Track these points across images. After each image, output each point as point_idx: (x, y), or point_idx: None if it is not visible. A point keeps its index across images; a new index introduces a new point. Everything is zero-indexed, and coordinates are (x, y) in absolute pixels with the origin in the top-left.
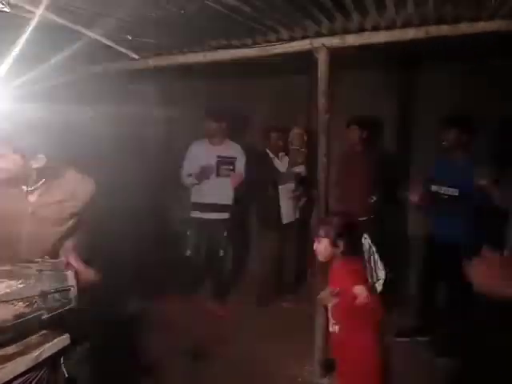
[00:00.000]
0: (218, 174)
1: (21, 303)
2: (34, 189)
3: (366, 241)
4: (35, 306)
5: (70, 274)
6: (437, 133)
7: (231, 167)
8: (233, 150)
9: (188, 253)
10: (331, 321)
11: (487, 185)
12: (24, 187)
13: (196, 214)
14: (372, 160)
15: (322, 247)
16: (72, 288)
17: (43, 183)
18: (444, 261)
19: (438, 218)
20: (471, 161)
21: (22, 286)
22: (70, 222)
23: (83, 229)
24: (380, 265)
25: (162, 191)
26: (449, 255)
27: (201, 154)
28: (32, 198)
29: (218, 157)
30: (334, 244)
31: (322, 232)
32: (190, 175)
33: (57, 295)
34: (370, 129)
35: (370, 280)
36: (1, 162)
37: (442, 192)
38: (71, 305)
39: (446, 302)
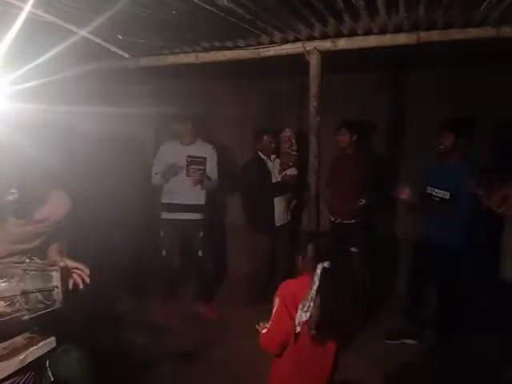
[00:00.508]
0: (187, 174)
1: (1, 302)
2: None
3: (320, 267)
4: (17, 305)
5: (55, 274)
6: (434, 136)
7: (201, 167)
8: (203, 150)
9: (164, 253)
10: None
11: (483, 195)
12: None
13: (166, 215)
14: (362, 163)
15: None
16: (56, 289)
17: None
18: (433, 262)
19: (429, 220)
20: (468, 165)
21: (4, 284)
22: (39, 241)
23: (65, 237)
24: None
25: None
26: (437, 257)
27: (171, 153)
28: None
29: (188, 157)
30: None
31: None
32: (157, 173)
33: (39, 295)
34: (360, 132)
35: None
36: None
37: (434, 194)
38: (55, 306)
39: (435, 303)
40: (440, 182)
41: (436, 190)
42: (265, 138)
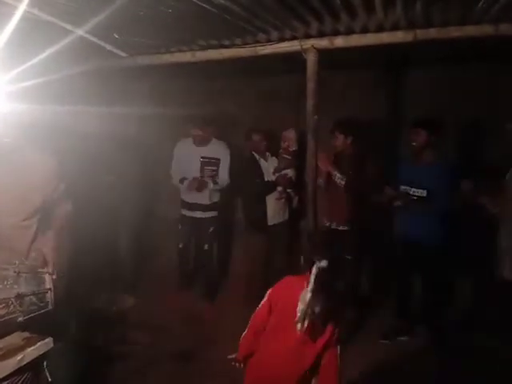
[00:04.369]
0: (201, 176)
1: None
2: None
3: (317, 266)
4: (11, 308)
5: (47, 276)
6: (406, 134)
7: (215, 168)
8: (217, 150)
9: (181, 245)
10: None
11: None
12: None
13: (184, 212)
14: (360, 165)
15: None
16: (49, 291)
17: None
18: (414, 259)
19: (407, 218)
20: (444, 164)
21: None
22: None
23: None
24: None
25: (154, 188)
26: (418, 254)
27: (185, 154)
28: None
29: (202, 157)
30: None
31: None
32: (181, 181)
33: (34, 298)
34: (358, 132)
35: None
36: None
37: (411, 193)
38: (48, 308)
39: (420, 300)
40: (416, 180)
41: (412, 190)
42: (254, 137)
